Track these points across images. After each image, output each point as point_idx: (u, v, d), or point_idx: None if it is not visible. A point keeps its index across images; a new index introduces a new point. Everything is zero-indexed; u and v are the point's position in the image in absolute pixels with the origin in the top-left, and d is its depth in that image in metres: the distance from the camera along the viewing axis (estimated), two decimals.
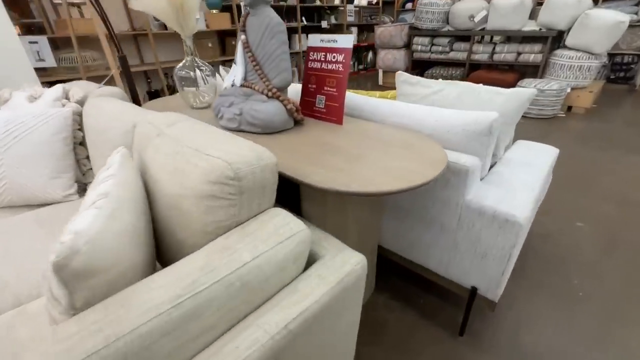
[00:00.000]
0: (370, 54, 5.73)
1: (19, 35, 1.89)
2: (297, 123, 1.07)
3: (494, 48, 3.82)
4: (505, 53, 3.72)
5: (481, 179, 1.00)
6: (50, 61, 2.42)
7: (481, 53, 3.91)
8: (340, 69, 1.02)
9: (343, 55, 1.01)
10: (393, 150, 0.84)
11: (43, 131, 1.21)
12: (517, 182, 0.97)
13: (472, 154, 0.93)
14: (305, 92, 1.14)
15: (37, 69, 1.96)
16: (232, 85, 1.08)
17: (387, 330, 1.14)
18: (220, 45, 3.89)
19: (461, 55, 4.08)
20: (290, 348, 0.51)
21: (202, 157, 0.59)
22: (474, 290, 0.99)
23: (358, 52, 5.61)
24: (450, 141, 0.95)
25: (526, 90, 0.99)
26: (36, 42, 2.32)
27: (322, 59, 1.07)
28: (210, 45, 3.60)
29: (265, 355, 0.47)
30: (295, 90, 1.29)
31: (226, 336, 0.48)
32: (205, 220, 0.57)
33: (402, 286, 1.32)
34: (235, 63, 1.09)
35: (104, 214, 0.52)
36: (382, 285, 1.33)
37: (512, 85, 3.41)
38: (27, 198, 1.20)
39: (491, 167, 1.11)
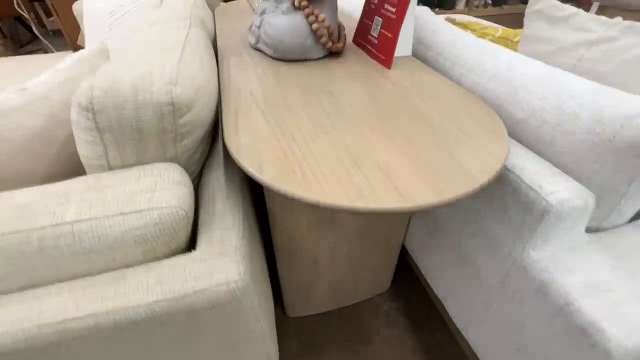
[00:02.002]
0: None
1: None
2: (335, 54, 0.77)
3: None
4: None
5: (592, 231, 0.52)
6: None
7: None
8: None
9: None
10: (415, 135, 0.49)
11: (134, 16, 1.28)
12: None
13: (591, 184, 0.47)
14: (365, 10, 0.79)
15: None
16: None
17: (371, 345, 0.91)
18: None
19: None
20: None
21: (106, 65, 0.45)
22: None
23: None
24: (555, 145, 0.50)
25: None
26: None
27: None
28: None
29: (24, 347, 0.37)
30: None
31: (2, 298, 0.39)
32: (79, 151, 0.46)
33: (423, 303, 1.01)
34: None
35: None
36: (397, 289, 1.05)
37: None
38: None
39: None
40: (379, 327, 0.96)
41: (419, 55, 0.78)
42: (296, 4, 0.68)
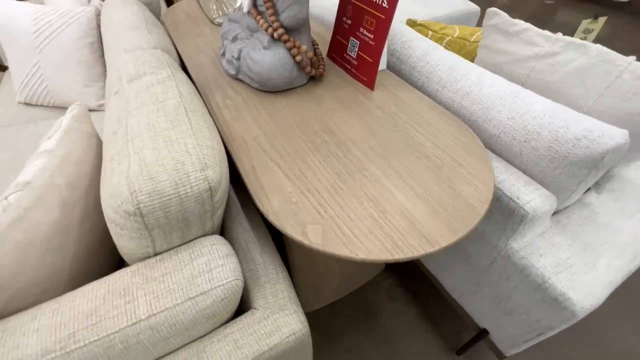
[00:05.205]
0: None
1: None
2: (315, 77, 0.80)
3: None
4: None
5: (553, 214, 0.67)
6: None
7: None
8: (384, 5, 0.66)
9: None
10: (419, 170, 0.57)
11: (69, 35, 1.14)
12: (613, 241, 0.63)
13: (551, 186, 0.60)
14: (337, 27, 0.81)
15: None
16: (242, 9, 0.80)
17: (380, 320, 1.06)
18: None
19: None
20: None
21: (121, 160, 0.45)
22: (483, 332, 0.80)
23: None
24: (523, 157, 0.61)
25: None
26: None
27: None
28: None
29: None
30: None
31: None
32: (117, 243, 0.47)
33: (415, 275, 1.17)
34: None
35: (5, 221, 0.45)
36: (392, 267, 1.20)
37: None
38: (67, 102, 1.24)
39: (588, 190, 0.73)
40: (383, 302, 1.11)
41: (394, 67, 0.84)
42: (276, 36, 0.69)
